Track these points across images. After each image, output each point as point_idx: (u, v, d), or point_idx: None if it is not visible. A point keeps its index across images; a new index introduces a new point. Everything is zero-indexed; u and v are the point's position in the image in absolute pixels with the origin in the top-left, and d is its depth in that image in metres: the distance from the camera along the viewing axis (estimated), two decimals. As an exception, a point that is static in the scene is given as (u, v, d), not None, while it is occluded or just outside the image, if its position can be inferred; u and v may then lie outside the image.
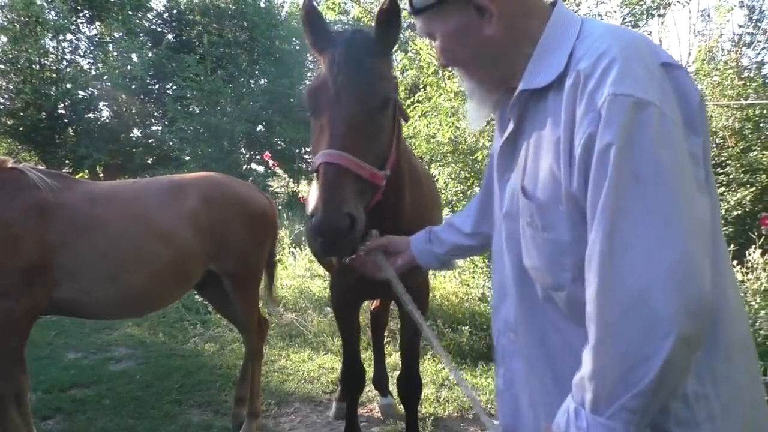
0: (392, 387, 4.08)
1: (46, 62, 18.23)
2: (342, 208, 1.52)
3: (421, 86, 8.55)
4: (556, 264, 1.12)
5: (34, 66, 17.74)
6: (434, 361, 4.65)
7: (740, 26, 10.40)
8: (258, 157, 20.01)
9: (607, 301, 0.96)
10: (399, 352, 4.18)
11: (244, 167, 19.37)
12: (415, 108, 8.04)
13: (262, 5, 21.61)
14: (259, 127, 20.42)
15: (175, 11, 21.79)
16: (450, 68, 1.36)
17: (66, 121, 18.47)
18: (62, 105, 18.19)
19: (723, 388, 1.05)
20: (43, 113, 17.63)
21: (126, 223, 2.96)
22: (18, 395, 2.98)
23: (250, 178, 17.19)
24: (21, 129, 17.30)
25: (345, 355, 2.95)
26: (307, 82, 1.79)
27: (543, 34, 1.17)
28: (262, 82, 21.23)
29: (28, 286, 2.70)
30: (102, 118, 19.92)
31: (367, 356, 4.45)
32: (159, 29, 21.92)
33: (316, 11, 1.82)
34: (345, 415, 3.12)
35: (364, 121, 1.64)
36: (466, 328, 4.83)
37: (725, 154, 7.19)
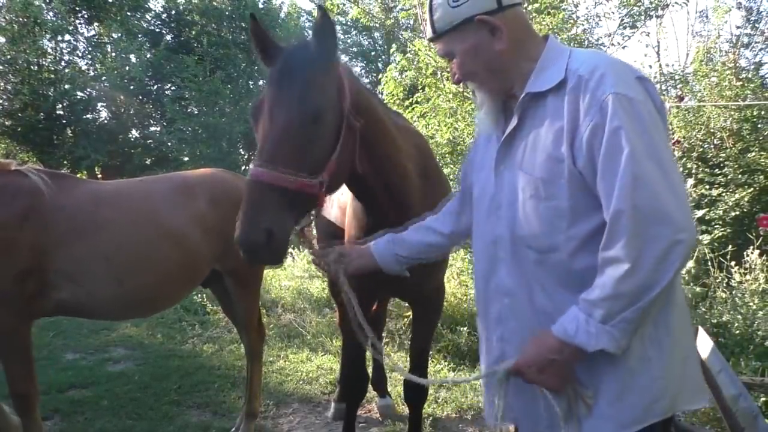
0: (390, 388, 4.09)
1: (44, 63, 18.22)
2: (259, 224, 1.60)
3: (419, 87, 8.56)
4: (555, 228, 1.40)
5: (32, 67, 17.73)
6: (432, 362, 4.65)
7: (738, 27, 10.44)
8: (256, 157, 20.00)
9: (634, 247, 1.23)
10: (409, 355, 4.18)
11: (243, 168, 19.35)
12: (413, 109, 8.05)
13: (261, 6, 21.62)
14: (258, 128, 20.41)
15: (173, 12, 21.78)
16: (464, 82, 1.59)
17: (64, 122, 18.46)
18: (60, 106, 18.17)
19: (670, 336, 1.38)
20: (41, 114, 17.60)
21: (132, 225, 2.92)
22: None
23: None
24: (19, 130, 17.29)
25: (350, 359, 2.92)
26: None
27: (542, 54, 1.48)
28: (260, 82, 21.24)
29: (21, 289, 2.66)
30: (100, 119, 19.90)
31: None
32: (157, 30, 21.91)
33: (261, 29, 1.92)
34: (343, 417, 3.11)
35: (292, 133, 1.68)
36: (465, 328, 4.83)
37: (723, 154, 7.19)
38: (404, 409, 3.69)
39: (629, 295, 1.25)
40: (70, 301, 2.81)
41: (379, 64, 25.72)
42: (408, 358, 4.34)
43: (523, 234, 1.46)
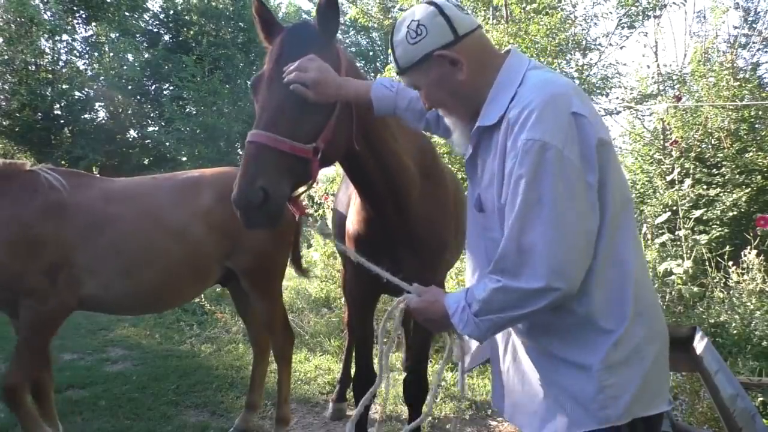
0: (392, 386, 4.08)
1: (41, 63, 18.23)
2: (255, 182, 1.64)
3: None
4: (494, 251, 1.46)
5: (29, 67, 17.75)
6: (431, 362, 4.65)
7: (735, 27, 10.47)
8: (255, 157, 20.01)
9: (514, 275, 1.36)
10: (408, 354, 4.18)
11: (241, 168, 19.35)
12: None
13: (259, 6, 21.59)
14: (256, 128, 20.43)
15: (171, 12, 21.79)
16: (434, 109, 1.67)
17: (62, 121, 18.47)
18: (58, 106, 18.19)
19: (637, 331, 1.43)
20: (39, 114, 17.61)
21: (136, 219, 2.98)
22: (43, 391, 3.12)
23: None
24: (17, 130, 17.30)
25: (358, 359, 2.88)
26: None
27: (495, 81, 1.49)
28: (259, 82, 21.22)
29: (54, 285, 2.77)
30: (98, 119, 19.93)
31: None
32: (155, 30, 21.92)
33: (266, 8, 1.98)
34: (342, 417, 3.10)
35: (288, 103, 1.74)
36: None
37: (721, 154, 7.20)
38: (403, 409, 3.70)
39: (499, 305, 1.39)
40: (91, 296, 2.91)
41: (378, 64, 25.75)
42: (406, 358, 4.36)
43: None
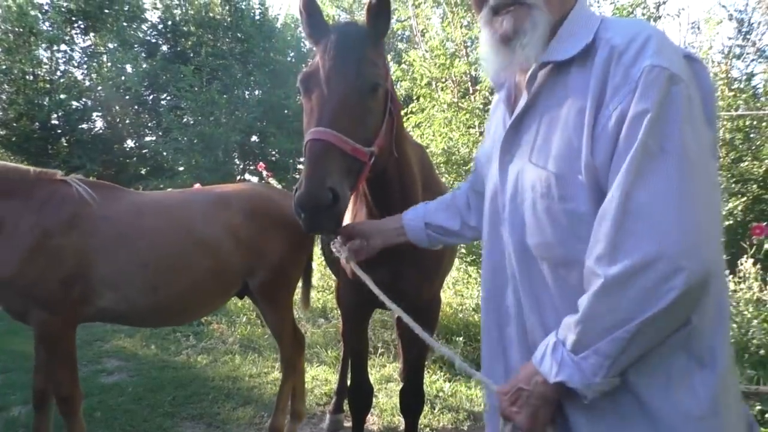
0: (385, 399, 4.07)
1: (39, 73, 18.25)
2: (325, 182, 1.55)
3: (414, 97, 8.60)
4: (572, 236, 1.13)
5: (27, 76, 17.75)
6: (428, 372, 4.64)
7: (730, 38, 10.55)
8: (252, 167, 20.03)
9: (614, 259, 1.00)
10: (403, 365, 4.16)
11: (238, 178, 19.37)
12: (408, 119, 8.06)
13: (257, 17, 21.73)
14: (254, 138, 20.48)
15: (169, 22, 21.87)
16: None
17: (59, 131, 18.46)
18: (55, 115, 18.19)
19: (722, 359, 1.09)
20: (36, 124, 17.61)
21: (168, 233, 2.99)
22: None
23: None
24: (14, 139, 17.28)
25: (353, 371, 2.85)
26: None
27: (570, 13, 1.21)
28: (256, 93, 21.32)
29: (67, 296, 2.77)
30: (96, 129, 19.95)
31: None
32: (154, 40, 21.99)
33: (314, 4, 1.91)
34: (339, 428, 3.09)
35: (351, 102, 1.69)
36: (461, 338, 4.82)
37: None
38: (400, 420, 3.68)
39: (609, 321, 1.01)
40: (110, 308, 2.91)
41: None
42: (402, 369, 4.34)
43: (534, 243, 1.20)
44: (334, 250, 1.87)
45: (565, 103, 1.14)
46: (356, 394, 2.84)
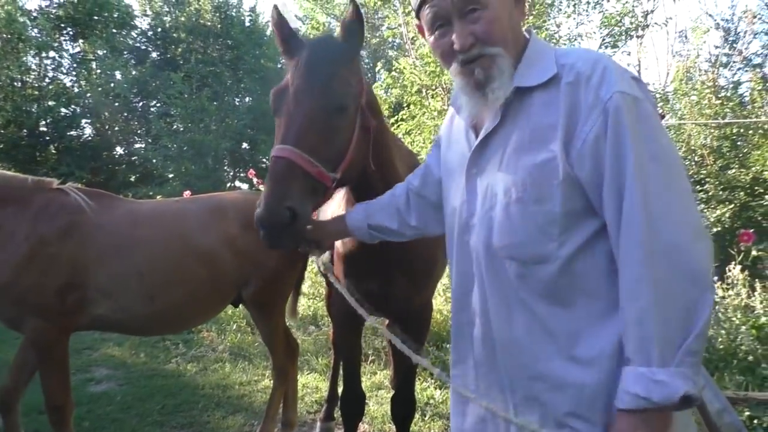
0: (376, 407, 4.05)
1: (27, 79, 18.15)
2: (284, 201, 1.56)
3: (404, 105, 8.62)
4: (544, 235, 1.25)
5: (15, 83, 17.66)
6: (419, 379, 4.63)
7: (716, 47, 10.69)
8: (242, 174, 19.98)
9: (655, 262, 1.12)
10: (393, 372, 4.15)
11: (229, 185, 19.32)
12: (399, 126, 8.09)
13: (248, 24, 21.74)
14: (244, 145, 20.42)
15: (159, 29, 21.84)
16: (487, 49, 1.33)
17: (47, 138, 18.35)
18: (44, 122, 18.08)
19: None
20: (24, 131, 17.50)
21: (165, 243, 2.98)
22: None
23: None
24: (1, 146, 17.14)
25: (345, 378, 2.83)
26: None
27: (528, 46, 1.37)
28: (246, 100, 21.30)
29: (62, 303, 2.76)
30: (84, 136, 19.84)
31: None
32: (143, 47, 21.95)
33: (285, 22, 1.93)
34: None
35: (317, 121, 1.68)
36: (450, 345, 4.81)
37: (704, 171, 7.31)
38: (391, 427, 3.67)
39: (677, 323, 1.11)
40: (106, 317, 2.89)
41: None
42: (394, 376, 4.33)
43: (503, 244, 1.31)
44: (313, 261, 1.92)
45: (534, 120, 1.28)
46: (348, 401, 2.82)
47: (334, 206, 2.99)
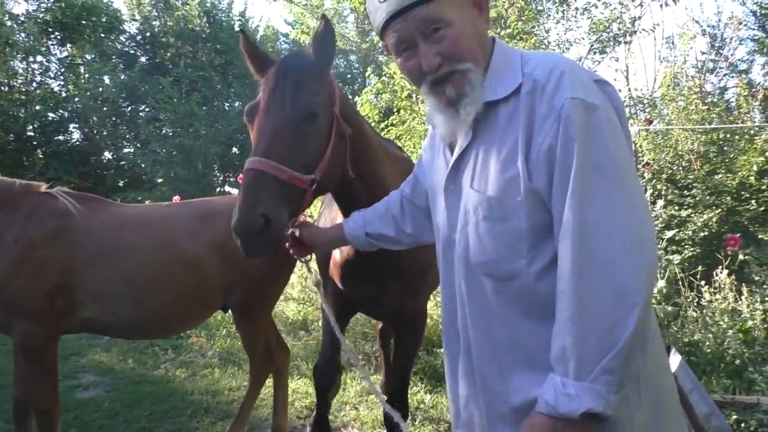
0: (366, 411, 4.04)
1: (14, 84, 18.02)
2: (256, 209, 1.61)
3: (395, 110, 8.64)
4: (513, 252, 1.24)
5: (2, 87, 17.51)
6: (411, 384, 4.62)
7: (703, 53, 10.78)
8: (232, 179, 19.90)
9: (582, 276, 1.11)
10: (385, 377, 4.15)
11: (219, 189, 19.24)
12: (389, 131, 8.10)
13: (237, 29, 21.70)
14: (234, 150, 20.35)
15: (148, 34, 21.75)
16: (454, 66, 1.31)
17: (35, 143, 18.20)
18: (31, 127, 17.93)
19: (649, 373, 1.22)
20: (11, 135, 17.34)
21: (152, 248, 2.97)
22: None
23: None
24: (-13, 151, 16.96)
25: (324, 345, 2.81)
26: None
27: (492, 56, 1.34)
28: (236, 104, 21.23)
29: (51, 307, 2.76)
30: (72, 140, 19.67)
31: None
32: (132, 51, 21.84)
33: (252, 43, 2.01)
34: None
35: (286, 131, 1.73)
36: (442, 350, 4.80)
37: (691, 176, 7.36)
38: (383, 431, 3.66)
39: (599, 337, 1.09)
40: (94, 320, 2.90)
41: (356, 87, 25.92)
42: (386, 381, 4.32)
43: (479, 261, 1.31)
44: (303, 269, 1.96)
45: (499, 134, 1.27)
46: (322, 371, 2.78)
47: (327, 223, 2.99)
